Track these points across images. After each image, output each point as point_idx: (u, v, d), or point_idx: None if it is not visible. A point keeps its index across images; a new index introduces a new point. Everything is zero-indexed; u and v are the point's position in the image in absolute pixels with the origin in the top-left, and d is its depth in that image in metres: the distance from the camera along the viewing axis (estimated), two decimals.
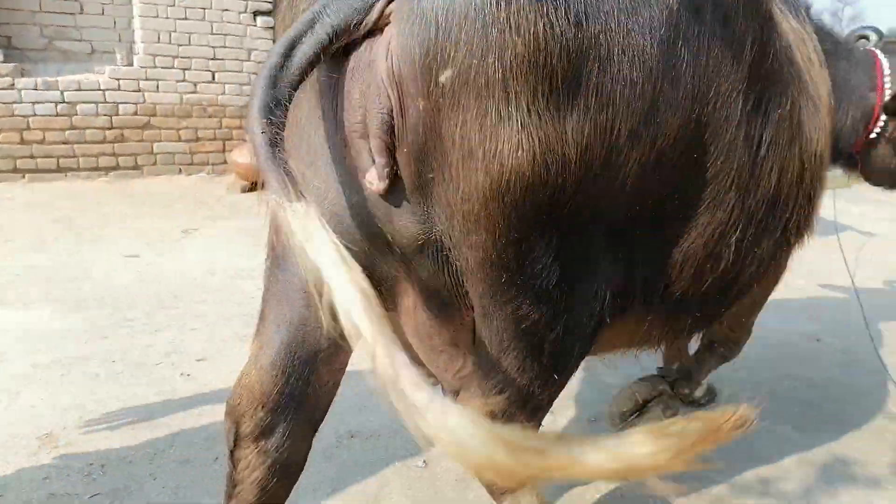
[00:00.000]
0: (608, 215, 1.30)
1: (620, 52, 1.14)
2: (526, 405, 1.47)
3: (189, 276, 4.34)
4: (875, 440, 2.80)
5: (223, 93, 7.48)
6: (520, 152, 1.12)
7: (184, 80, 7.26)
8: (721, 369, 2.87)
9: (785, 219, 1.61)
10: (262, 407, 1.41)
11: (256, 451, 1.44)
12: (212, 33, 7.33)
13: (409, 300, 1.44)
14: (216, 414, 2.53)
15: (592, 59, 1.12)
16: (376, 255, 1.34)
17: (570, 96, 1.12)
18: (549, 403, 1.59)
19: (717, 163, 1.38)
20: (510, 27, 1.06)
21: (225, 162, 7.52)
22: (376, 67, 1.16)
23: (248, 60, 7.53)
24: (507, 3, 1.06)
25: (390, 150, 1.19)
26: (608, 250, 1.36)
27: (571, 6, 1.09)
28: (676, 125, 1.25)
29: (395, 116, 1.17)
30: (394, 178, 1.21)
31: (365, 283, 0.95)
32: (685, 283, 1.52)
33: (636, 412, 2.63)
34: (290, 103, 1.12)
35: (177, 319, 3.61)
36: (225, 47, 7.42)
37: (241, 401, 1.43)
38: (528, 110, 1.10)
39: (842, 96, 2.39)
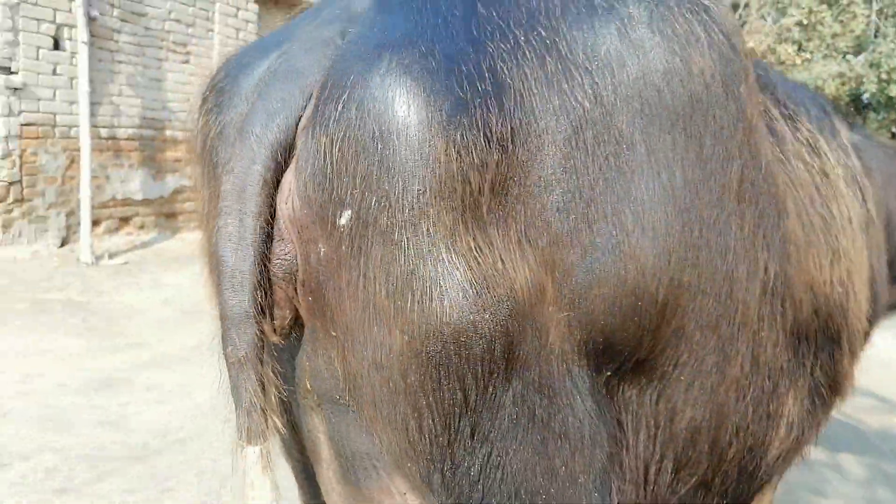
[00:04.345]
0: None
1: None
2: None
3: None
4: None
5: None
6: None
7: None
8: None
9: (810, 366, 1.31)
10: None
11: None
12: None
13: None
14: None
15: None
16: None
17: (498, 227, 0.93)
18: None
19: (713, 304, 1.11)
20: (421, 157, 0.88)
21: None
22: (279, 208, 1.00)
23: None
24: (418, 126, 0.88)
25: (290, 302, 1.01)
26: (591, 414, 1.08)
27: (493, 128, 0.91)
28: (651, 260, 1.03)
29: (297, 263, 1.00)
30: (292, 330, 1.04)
31: None
32: (698, 461, 1.21)
33: None
34: None
35: None
36: None
37: None
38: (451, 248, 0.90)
39: None
